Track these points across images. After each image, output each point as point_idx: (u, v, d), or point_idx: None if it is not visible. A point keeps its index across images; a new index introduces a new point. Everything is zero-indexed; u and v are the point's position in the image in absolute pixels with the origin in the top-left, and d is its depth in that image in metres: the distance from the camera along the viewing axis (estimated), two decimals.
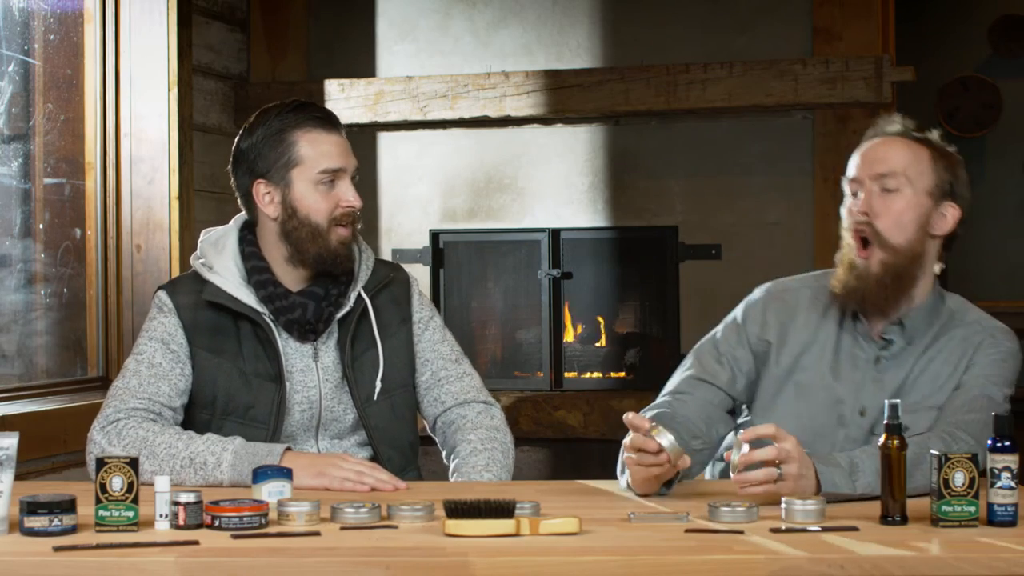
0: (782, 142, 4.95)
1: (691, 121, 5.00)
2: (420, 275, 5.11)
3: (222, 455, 2.44)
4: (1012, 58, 8.00)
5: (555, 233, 5.10)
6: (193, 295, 2.64)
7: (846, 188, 2.56)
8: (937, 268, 2.56)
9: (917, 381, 2.51)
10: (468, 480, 2.60)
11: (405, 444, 2.72)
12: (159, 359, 2.60)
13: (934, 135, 2.57)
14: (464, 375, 2.77)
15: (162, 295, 2.67)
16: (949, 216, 2.52)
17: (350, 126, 5.20)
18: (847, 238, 2.53)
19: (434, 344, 2.76)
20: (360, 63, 5.26)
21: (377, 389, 2.66)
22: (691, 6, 5.01)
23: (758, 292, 2.69)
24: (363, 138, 5.18)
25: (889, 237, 2.48)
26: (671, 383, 2.63)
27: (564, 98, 4.94)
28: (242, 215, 2.72)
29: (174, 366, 2.61)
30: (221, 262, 2.65)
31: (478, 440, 2.66)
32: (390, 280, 2.75)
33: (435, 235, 5.21)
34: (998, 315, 2.64)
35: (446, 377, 2.75)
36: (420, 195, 5.23)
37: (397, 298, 2.75)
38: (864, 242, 2.50)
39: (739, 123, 4.97)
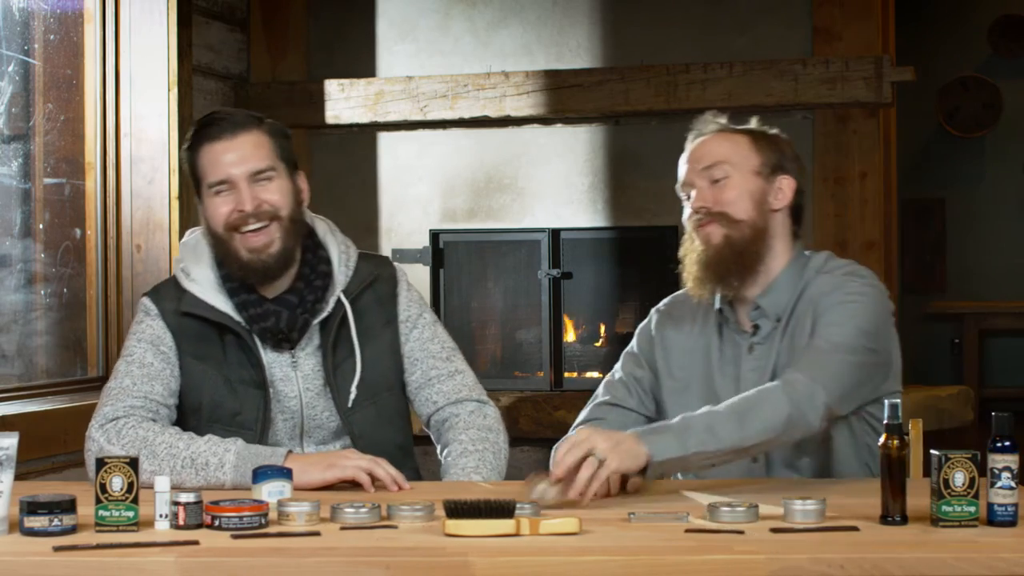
0: None
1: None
2: (420, 275, 5.11)
3: (224, 456, 2.42)
4: (1012, 58, 8.00)
5: (555, 233, 5.10)
6: (175, 302, 2.62)
7: (681, 194, 2.59)
8: (795, 245, 2.57)
9: (787, 350, 2.48)
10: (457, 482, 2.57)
11: (393, 448, 2.65)
12: (150, 359, 2.58)
13: (752, 123, 2.63)
14: (456, 373, 2.70)
15: (146, 301, 2.65)
16: (786, 187, 2.55)
17: (350, 126, 5.20)
18: (690, 235, 2.55)
19: (423, 343, 2.70)
20: (360, 63, 5.26)
21: (352, 396, 2.61)
22: (691, 6, 5.01)
23: (651, 314, 2.70)
24: (363, 138, 5.18)
25: (729, 213, 2.50)
26: (582, 414, 2.67)
27: (564, 98, 4.94)
28: None
29: (165, 366, 2.59)
30: (198, 270, 2.62)
31: (469, 441, 2.62)
32: (374, 279, 2.68)
33: (435, 235, 5.20)
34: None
35: (437, 376, 2.69)
36: (420, 195, 5.23)
37: (381, 298, 2.69)
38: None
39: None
